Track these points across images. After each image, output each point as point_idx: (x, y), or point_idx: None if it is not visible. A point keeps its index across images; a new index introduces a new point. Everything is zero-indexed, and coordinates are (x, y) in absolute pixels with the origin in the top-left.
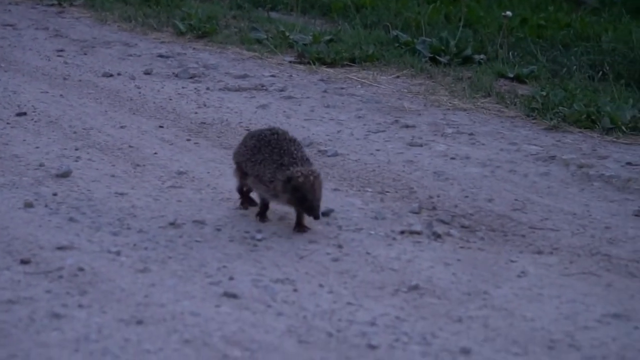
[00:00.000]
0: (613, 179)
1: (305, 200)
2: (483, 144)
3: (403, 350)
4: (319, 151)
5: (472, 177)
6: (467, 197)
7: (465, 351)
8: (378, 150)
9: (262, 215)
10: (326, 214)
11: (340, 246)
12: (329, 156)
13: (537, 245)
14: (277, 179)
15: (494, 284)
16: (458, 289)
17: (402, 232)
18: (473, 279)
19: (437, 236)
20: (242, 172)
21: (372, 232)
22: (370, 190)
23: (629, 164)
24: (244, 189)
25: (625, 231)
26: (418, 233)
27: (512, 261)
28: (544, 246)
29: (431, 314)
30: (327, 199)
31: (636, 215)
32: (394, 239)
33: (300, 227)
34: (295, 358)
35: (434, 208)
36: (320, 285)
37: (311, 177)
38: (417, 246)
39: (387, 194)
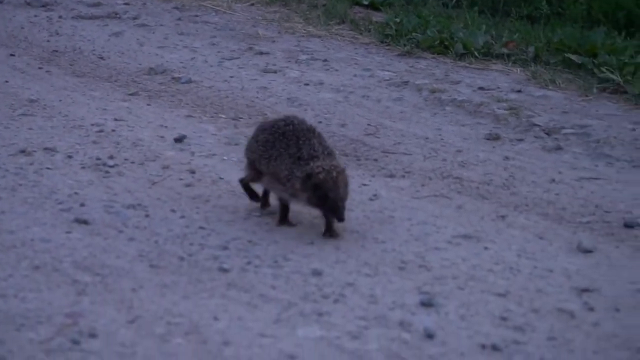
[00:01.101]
0: (465, 103)
1: (327, 199)
2: (337, 70)
3: (255, 273)
4: (173, 78)
5: (325, 102)
6: (320, 122)
7: (317, 273)
8: (232, 77)
9: (283, 220)
10: (179, 139)
11: (193, 172)
12: (182, 83)
13: (390, 169)
14: (294, 176)
15: (347, 208)
16: (310, 212)
17: None
18: None
19: None
20: (255, 171)
21: (225, 158)
22: (223, 116)
23: (480, 88)
24: (251, 185)
25: (476, 154)
26: None
27: (364, 185)
28: (396, 170)
29: (283, 238)
30: (180, 125)
31: (487, 139)
32: None
33: (330, 232)
34: (146, 282)
35: None
36: (173, 211)
37: (334, 173)
38: None
39: (241, 120)
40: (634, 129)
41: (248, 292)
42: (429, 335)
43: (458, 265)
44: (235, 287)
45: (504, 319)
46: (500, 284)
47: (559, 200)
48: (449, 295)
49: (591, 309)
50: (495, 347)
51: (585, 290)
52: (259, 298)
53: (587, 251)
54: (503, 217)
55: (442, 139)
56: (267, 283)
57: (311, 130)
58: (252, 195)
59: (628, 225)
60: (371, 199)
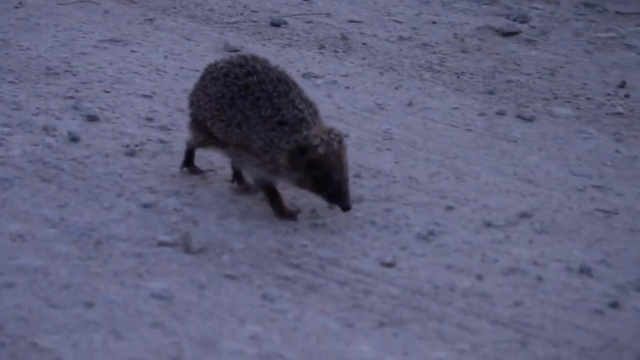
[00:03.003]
0: None
1: (329, 181)
2: None
3: None
4: None
5: None
6: None
7: None
8: None
9: (279, 207)
10: None
11: None
12: None
13: None
14: (275, 147)
15: None
16: None
17: None
18: None
19: None
20: (204, 132)
21: None
22: None
23: None
24: (194, 151)
25: None
26: None
27: None
28: None
29: None
30: None
31: None
32: None
33: (286, 212)
34: None
35: None
36: None
37: (334, 144)
38: None
39: None
40: None
41: None
42: (74, 139)
43: (104, 69)
44: None
45: (149, 119)
46: (146, 85)
47: (207, 1)
48: (94, 99)
49: None
50: (139, 145)
51: None
52: None
53: (234, 50)
54: (151, 20)
55: None
56: None
57: (283, 77)
58: (188, 162)
59: (275, 24)
60: (17, 7)
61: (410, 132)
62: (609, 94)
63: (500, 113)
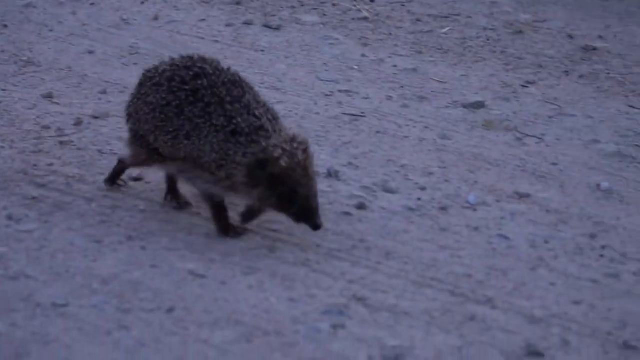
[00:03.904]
0: None
1: (295, 197)
2: None
3: None
4: None
5: None
6: None
7: None
8: None
9: (223, 225)
10: None
11: None
12: None
13: None
14: (231, 161)
15: None
16: None
17: None
18: None
19: None
20: (147, 149)
21: None
22: None
23: None
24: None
25: None
26: None
27: None
28: None
29: None
30: None
31: None
32: None
33: (246, 219)
34: None
35: None
36: None
37: (299, 155)
38: None
39: None
40: None
41: None
42: None
43: None
44: None
45: None
46: None
47: None
48: None
49: None
50: None
51: None
52: None
53: None
54: None
55: None
56: None
57: (236, 79)
58: (114, 178)
59: None
60: None
61: (156, 46)
62: (355, 0)
63: (248, 23)
